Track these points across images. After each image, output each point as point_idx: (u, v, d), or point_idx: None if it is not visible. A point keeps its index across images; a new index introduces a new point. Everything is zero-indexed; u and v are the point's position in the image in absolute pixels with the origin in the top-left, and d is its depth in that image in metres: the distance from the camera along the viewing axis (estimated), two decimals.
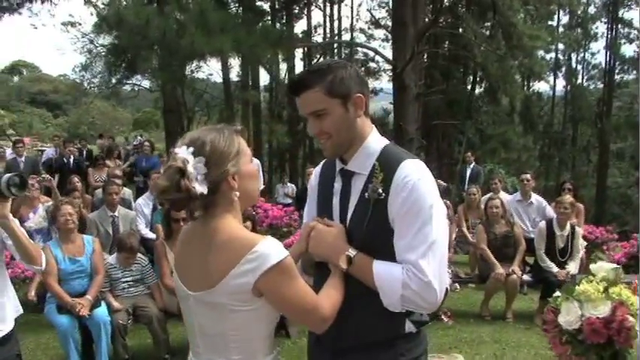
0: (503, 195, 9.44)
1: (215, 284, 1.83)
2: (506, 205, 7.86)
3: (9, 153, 13.11)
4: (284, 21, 26.33)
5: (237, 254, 1.81)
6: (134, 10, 14.02)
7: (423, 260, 1.94)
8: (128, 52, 17.66)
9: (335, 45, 29.14)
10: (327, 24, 31.12)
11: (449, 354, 5.75)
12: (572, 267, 6.98)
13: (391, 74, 18.58)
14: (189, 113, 26.61)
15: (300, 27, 29.68)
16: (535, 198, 8.83)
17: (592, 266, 1.96)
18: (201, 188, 1.80)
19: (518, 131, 28.93)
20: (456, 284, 7.80)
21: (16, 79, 58.88)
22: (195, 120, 28.20)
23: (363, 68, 30.48)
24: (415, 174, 2.00)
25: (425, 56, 23.43)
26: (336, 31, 31.34)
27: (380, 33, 30.67)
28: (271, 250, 1.81)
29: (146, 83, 26.21)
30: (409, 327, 2.10)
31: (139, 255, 6.09)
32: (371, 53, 27.21)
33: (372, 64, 30.45)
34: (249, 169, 1.95)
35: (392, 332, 2.09)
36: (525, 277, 7.23)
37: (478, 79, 27.84)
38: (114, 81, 23.42)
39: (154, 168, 11.52)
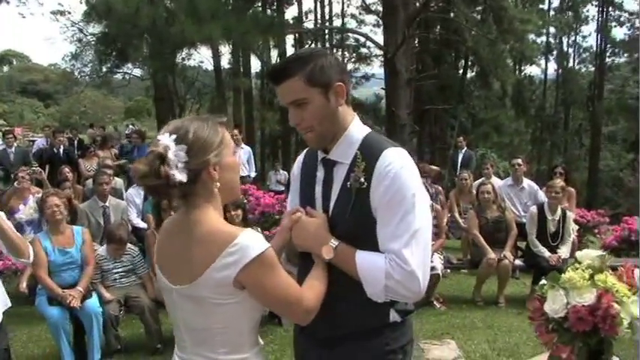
0: (495, 180, 9.45)
1: (196, 278, 1.82)
2: (497, 190, 7.87)
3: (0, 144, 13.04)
4: (275, 7, 26.16)
5: (217, 247, 1.79)
6: None
7: (406, 249, 1.93)
8: (118, 41, 17.55)
9: (326, 31, 29.02)
10: (318, 10, 31.03)
11: (441, 340, 5.77)
12: (564, 251, 7.00)
13: (383, 60, 18.54)
14: (180, 101, 26.50)
15: (291, 13, 29.57)
16: (527, 183, 8.83)
17: (577, 253, 1.96)
18: (180, 176, 1.78)
19: (510, 115, 28.97)
20: (448, 270, 7.83)
21: (6, 69, 58.48)
22: (187, 108, 28.12)
23: (354, 54, 30.47)
24: (397, 162, 1.98)
25: (416, 41, 23.40)
26: (327, 17, 31.23)
27: (371, 18, 30.55)
28: (252, 242, 1.80)
29: (137, 71, 26.08)
30: (394, 316, 2.09)
31: (130, 246, 6.07)
32: (362, 39, 27.10)
33: (364, 50, 30.38)
34: (231, 160, 1.93)
35: (377, 322, 2.09)
36: (517, 262, 7.25)
37: (470, 63, 27.78)
38: (104, 70, 23.30)
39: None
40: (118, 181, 9.24)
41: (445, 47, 26.59)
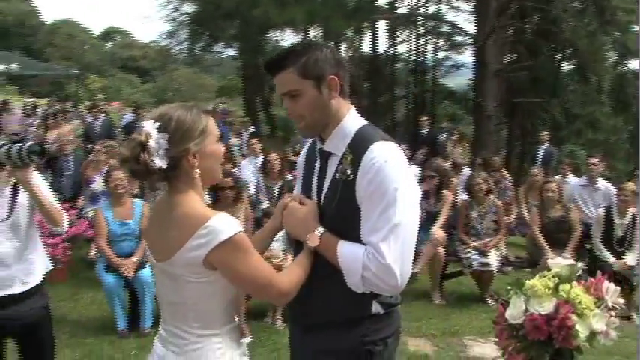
0: (570, 179, 9.17)
1: (172, 256, 1.93)
2: (564, 189, 7.62)
3: (88, 117, 13.66)
4: None
5: (190, 229, 1.89)
6: None
7: (384, 243, 1.96)
8: (205, 22, 17.94)
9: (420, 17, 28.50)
10: None
11: (486, 337, 5.68)
12: (631, 258, 6.68)
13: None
14: (271, 81, 26.66)
15: None
16: (602, 183, 8.51)
17: (549, 261, 1.93)
18: (160, 163, 1.89)
19: (606, 112, 27.63)
20: (509, 267, 7.64)
21: (108, 45, 61.27)
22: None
23: (447, 42, 29.84)
24: (382, 156, 2.01)
25: (510, 31, 22.70)
26: (422, 2, 30.62)
27: (467, 6, 29.78)
28: (223, 226, 1.88)
29: (230, 51, 26.54)
30: (377, 308, 2.13)
31: None
32: (459, 25, 26.41)
33: (458, 38, 29.65)
34: (212, 148, 2.02)
35: (358, 312, 2.13)
36: (580, 264, 6.97)
37: (567, 56, 26.63)
38: (197, 49, 23.86)
39: (222, 137, 11.78)
40: None
41: (541, 38, 25.63)
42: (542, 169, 9.67)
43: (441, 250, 6.81)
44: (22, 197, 3.16)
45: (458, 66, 29.79)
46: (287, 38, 26.55)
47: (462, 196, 7.76)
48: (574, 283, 1.81)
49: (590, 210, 8.23)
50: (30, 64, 27.65)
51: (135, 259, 5.65)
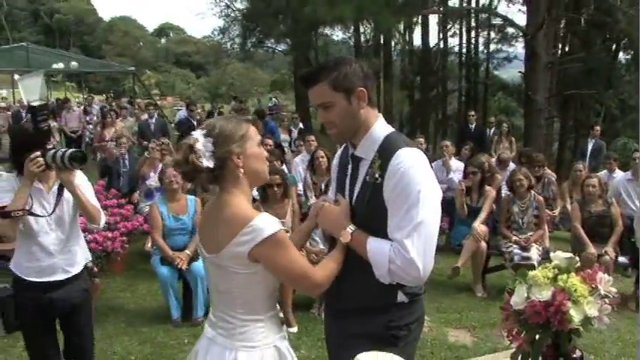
0: (617, 173, 9.14)
1: (221, 250, 2.21)
2: (610, 183, 7.63)
3: (143, 114, 14.09)
4: None
5: (236, 227, 2.17)
6: None
7: (408, 239, 2.19)
8: (255, 19, 18.26)
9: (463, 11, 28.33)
10: None
11: None
12: None
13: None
14: None
15: None
16: None
17: (551, 254, 2.13)
18: (207, 163, 2.19)
19: None
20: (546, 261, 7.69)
21: (163, 41, 62.67)
22: None
23: (500, 34, 29.55)
24: (407, 161, 2.24)
25: (563, 23, 22.37)
26: None
27: None
28: (265, 224, 2.16)
29: (282, 46, 26.86)
30: (401, 297, 2.37)
31: None
32: (509, 18, 26.16)
33: (511, 30, 29.34)
34: (254, 151, 2.29)
35: (384, 300, 2.37)
36: (621, 258, 7.01)
37: (622, 46, 26.04)
38: (249, 44, 24.28)
39: (273, 133, 12.11)
40: None
41: (595, 29, 25.13)
42: (590, 164, 9.64)
43: (483, 244, 6.95)
44: (68, 194, 3.52)
45: (510, 58, 29.47)
46: (337, 34, 26.74)
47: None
48: (572, 274, 2.02)
49: (636, 204, 8.22)
50: (87, 61, 28.56)
51: (188, 252, 5.95)
